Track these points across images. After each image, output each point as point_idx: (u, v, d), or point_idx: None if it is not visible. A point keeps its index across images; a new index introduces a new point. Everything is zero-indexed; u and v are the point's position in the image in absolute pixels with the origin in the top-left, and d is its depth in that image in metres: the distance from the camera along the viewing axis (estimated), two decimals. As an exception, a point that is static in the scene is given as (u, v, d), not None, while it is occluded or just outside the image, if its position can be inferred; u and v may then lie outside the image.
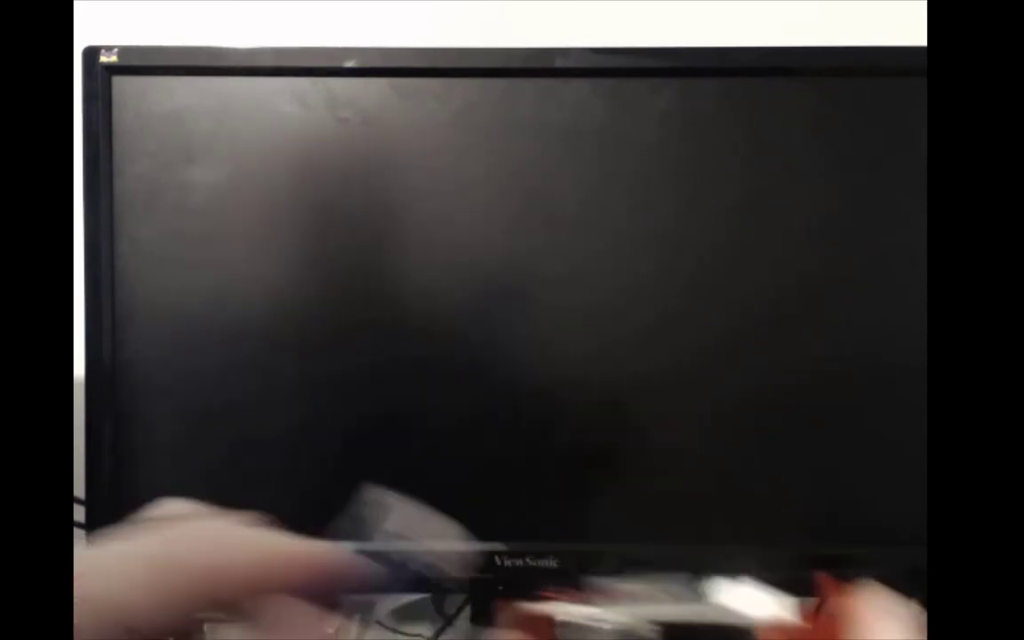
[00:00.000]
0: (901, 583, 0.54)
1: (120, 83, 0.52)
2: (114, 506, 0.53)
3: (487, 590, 0.53)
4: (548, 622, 0.31)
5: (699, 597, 0.28)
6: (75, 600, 0.23)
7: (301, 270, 0.53)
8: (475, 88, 0.52)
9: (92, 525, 0.53)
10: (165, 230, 0.52)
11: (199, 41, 0.53)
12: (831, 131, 0.52)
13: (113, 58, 0.52)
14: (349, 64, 0.52)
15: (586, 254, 0.52)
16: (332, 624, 0.26)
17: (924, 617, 0.26)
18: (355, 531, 0.27)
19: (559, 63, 0.52)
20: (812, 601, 0.30)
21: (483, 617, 0.56)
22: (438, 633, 0.60)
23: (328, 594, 0.27)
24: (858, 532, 0.53)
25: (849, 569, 0.53)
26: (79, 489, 0.50)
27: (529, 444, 0.53)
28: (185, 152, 0.52)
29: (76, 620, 0.23)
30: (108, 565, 0.25)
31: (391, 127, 0.52)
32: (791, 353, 0.53)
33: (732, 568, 0.53)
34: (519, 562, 0.52)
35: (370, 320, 0.53)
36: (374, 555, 0.27)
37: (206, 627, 0.26)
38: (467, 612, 0.59)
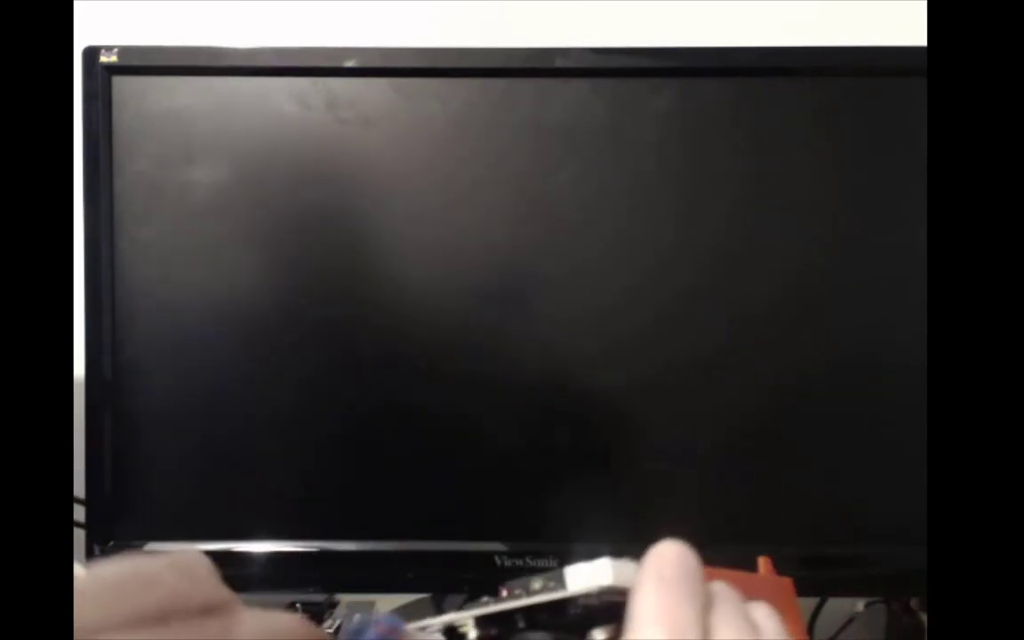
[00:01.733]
0: (901, 583, 0.54)
1: (120, 83, 0.52)
2: (114, 506, 0.53)
3: (487, 590, 0.53)
4: None
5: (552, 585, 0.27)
6: None
7: (300, 270, 0.53)
8: (475, 88, 0.52)
9: (92, 525, 0.53)
10: (165, 230, 0.52)
11: (199, 41, 0.53)
12: (831, 131, 0.52)
13: (113, 58, 0.52)
14: (349, 64, 0.52)
15: (586, 254, 0.52)
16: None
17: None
18: None
19: (559, 63, 0.52)
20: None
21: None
22: (438, 633, 0.60)
23: None
24: (858, 532, 0.53)
25: (849, 569, 0.54)
26: (79, 489, 0.50)
27: (529, 444, 0.53)
28: (185, 152, 0.52)
29: None
30: None
31: (391, 127, 0.52)
32: (791, 353, 0.53)
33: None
34: (519, 562, 0.52)
35: (370, 320, 0.53)
36: None
37: None
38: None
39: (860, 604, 0.65)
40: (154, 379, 0.53)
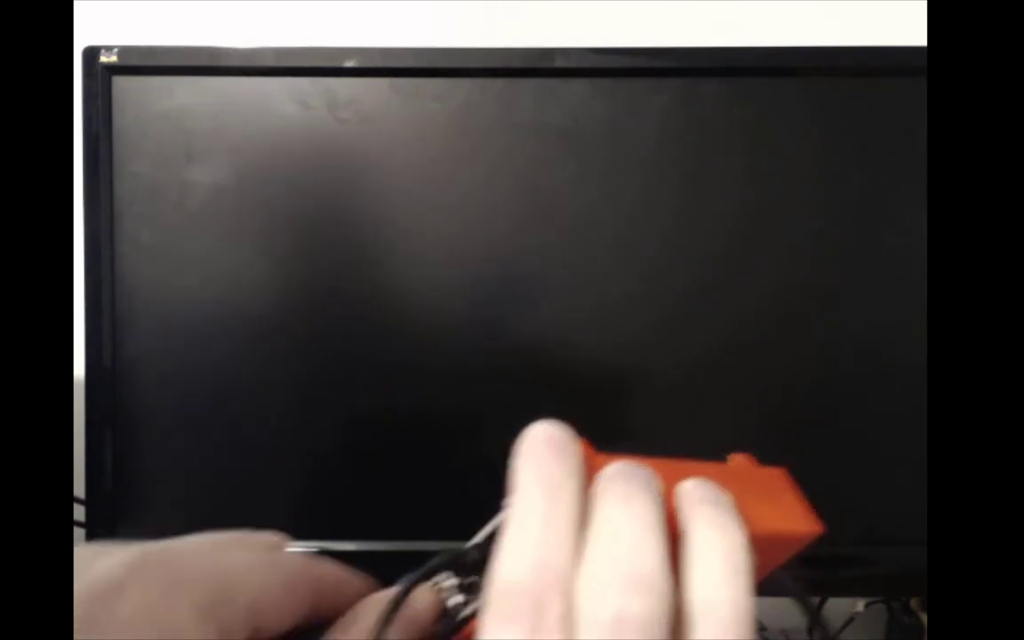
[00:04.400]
0: (901, 583, 0.54)
1: (120, 83, 0.52)
2: (114, 506, 0.53)
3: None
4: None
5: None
6: (223, 600, 0.24)
7: (301, 270, 0.53)
8: (475, 88, 0.52)
9: (92, 525, 0.53)
10: (165, 230, 0.52)
11: (199, 41, 0.53)
12: (831, 131, 0.52)
13: (113, 58, 0.52)
14: (349, 64, 0.52)
15: (587, 254, 0.52)
16: None
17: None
18: None
19: (559, 63, 0.52)
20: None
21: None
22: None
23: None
24: (858, 532, 0.53)
25: (849, 569, 0.54)
26: (79, 489, 0.50)
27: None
28: (185, 152, 0.52)
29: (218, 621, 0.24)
30: (245, 568, 0.26)
31: (391, 127, 0.52)
32: (792, 353, 0.53)
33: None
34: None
35: (371, 320, 0.53)
36: None
37: None
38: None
39: (860, 604, 0.65)
40: (154, 379, 0.53)
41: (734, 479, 0.26)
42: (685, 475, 0.25)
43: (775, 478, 0.29)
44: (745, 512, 0.24)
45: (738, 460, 0.30)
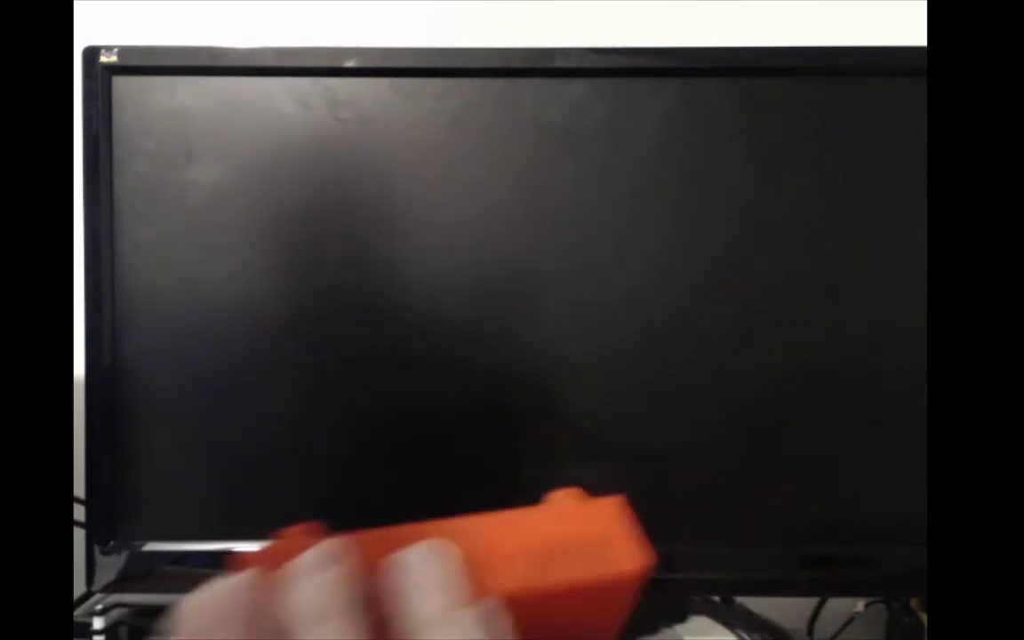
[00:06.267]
0: (901, 583, 0.54)
1: (120, 83, 0.52)
2: (114, 506, 0.53)
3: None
4: None
5: None
6: None
7: (301, 270, 0.53)
8: (475, 88, 0.52)
9: (92, 525, 0.53)
10: (165, 230, 0.52)
11: (199, 41, 0.53)
12: (831, 131, 0.52)
13: (113, 58, 0.52)
14: (349, 64, 0.52)
15: (586, 254, 0.52)
16: None
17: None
18: None
19: (559, 63, 0.52)
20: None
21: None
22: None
23: None
24: (858, 532, 0.53)
25: (849, 569, 0.54)
26: (79, 489, 0.50)
27: (531, 443, 0.53)
28: (185, 152, 0.52)
29: None
30: None
31: (391, 127, 0.52)
32: (791, 352, 0.53)
33: (731, 568, 0.53)
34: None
35: (371, 320, 0.53)
36: None
37: None
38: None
39: (860, 604, 0.65)
40: (154, 379, 0.53)
41: (545, 524, 0.25)
42: (479, 534, 0.24)
43: (601, 513, 0.27)
44: (549, 563, 0.23)
45: (559, 499, 0.28)
